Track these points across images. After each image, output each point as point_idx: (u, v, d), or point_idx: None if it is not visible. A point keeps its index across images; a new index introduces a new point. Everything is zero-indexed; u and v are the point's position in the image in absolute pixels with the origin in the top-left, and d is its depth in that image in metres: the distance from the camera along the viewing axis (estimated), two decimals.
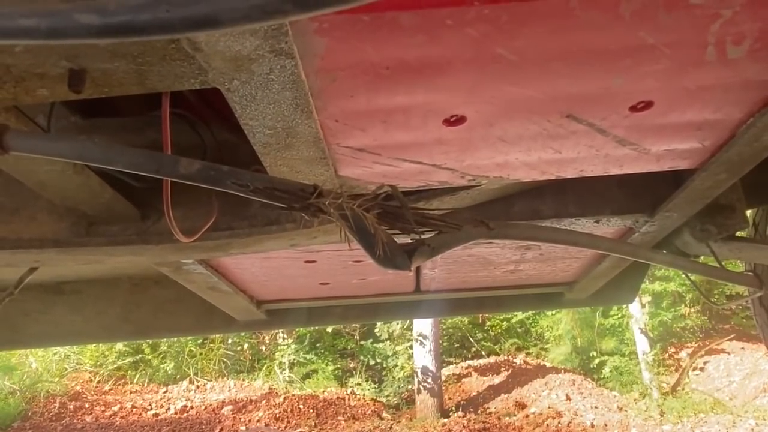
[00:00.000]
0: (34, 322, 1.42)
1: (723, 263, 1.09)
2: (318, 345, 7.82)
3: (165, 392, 6.85)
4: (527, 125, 0.77)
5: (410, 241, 0.69)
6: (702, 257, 1.17)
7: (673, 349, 7.76)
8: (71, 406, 6.16)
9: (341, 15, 0.53)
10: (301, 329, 7.27)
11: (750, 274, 1.19)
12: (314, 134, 0.72)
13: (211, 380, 7.19)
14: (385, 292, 1.53)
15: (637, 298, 6.54)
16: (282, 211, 0.62)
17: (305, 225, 0.89)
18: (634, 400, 6.44)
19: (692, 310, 7.45)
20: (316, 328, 7.00)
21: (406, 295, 1.55)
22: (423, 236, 0.68)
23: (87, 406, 6.23)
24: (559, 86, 0.68)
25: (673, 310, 7.54)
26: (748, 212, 1.28)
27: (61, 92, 0.61)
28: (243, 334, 7.61)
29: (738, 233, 1.12)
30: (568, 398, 6.36)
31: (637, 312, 7.12)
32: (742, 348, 7.13)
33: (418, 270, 1.34)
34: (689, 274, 1.20)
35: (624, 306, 7.04)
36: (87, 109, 0.87)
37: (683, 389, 6.80)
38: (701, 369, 7.24)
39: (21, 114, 0.71)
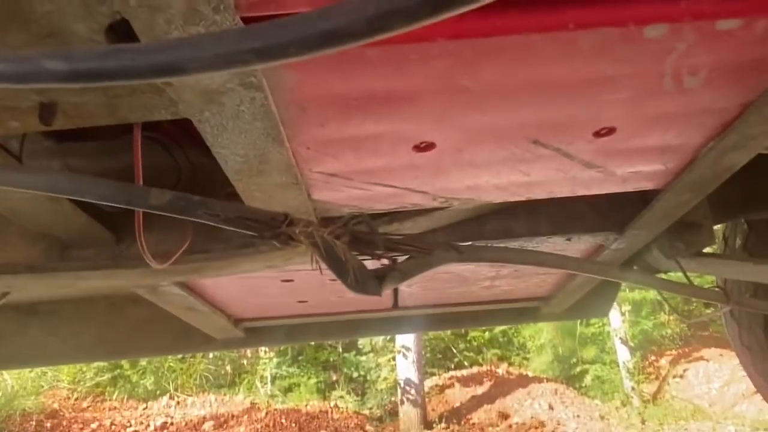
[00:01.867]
0: (9, 344, 1.34)
1: (690, 278, 1.08)
2: (300, 358, 7.33)
3: (145, 408, 6.24)
4: (495, 150, 0.75)
5: (381, 266, 0.67)
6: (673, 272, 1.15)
7: (653, 357, 7.44)
8: (48, 425, 5.58)
9: None
10: (275, 346, 6.80)
11: (717, 289, 1.16)
12: (286, 161, 0.69)
13: (191, 395, 6.56)
14: (364, 309, 1.49)
15: (616, 307, 6.49)
16: (253, 239, 0.58)
17: (274, 249, 0.86)
18: (616, 408, 6.19)
19: (671, 318, 7.13)
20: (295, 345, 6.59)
21: (385, 311, 1.50)
22: (395, 260, 0.66)
23: (65, 423, 5.65)
24: (523, 114, 0.67)
25: (652, 318, 7.19)
26: (718, 227, 1.26)
27: (32, 124, 0.57)
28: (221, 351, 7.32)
29: (707, 249, 1.10)
30: (551, 407, 6.02)
31: (616, 321, 6.81)
32: (721, 355, 6.80)
33: (395, 288, 1.30)
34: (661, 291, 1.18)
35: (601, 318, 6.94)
36: (60, 134, 0.82)
37: (664, 397, 6.53)
38: (681, 376, 6.89)
39: None
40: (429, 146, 0.72)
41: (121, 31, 0.47)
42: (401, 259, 0.67)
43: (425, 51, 0.53)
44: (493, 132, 0.69)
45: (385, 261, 0.66)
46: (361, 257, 0.61)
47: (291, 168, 0.70)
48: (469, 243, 0.77)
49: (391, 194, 0.84)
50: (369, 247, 0.61)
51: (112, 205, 0.55)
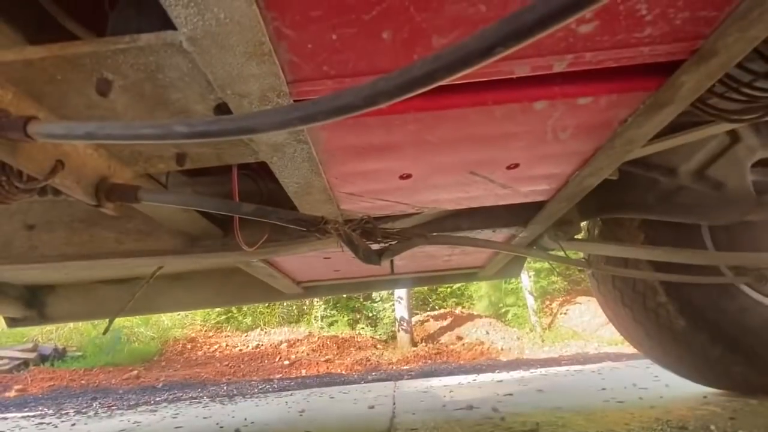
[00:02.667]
0: (163, 298, 1.83)
1: (567, 254, 1.43)
2: (338, 304, 9.84)
3: (246, 336, 8.78)
4: (448, 178, 0.95)
5: (380, 247, 0.92)
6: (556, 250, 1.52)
7: (548, 302, 9.94)
8: (189, 346, 8.26)
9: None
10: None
11: (583, 260, 1.60)
12: (323, 186, 0.88)
13: (273, 327, 9.23)
14: (374, 274, 1.92)
15: (525, 271, 9.10)
16: (304, 232, 0.81)
17: (318, 239, 1.15)
18: (526, 333, 8.74)
19: (559, 278, 10.09)
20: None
21: (386, 275, 1.96)
22: (389, 244, 0.91)
23: (198, 345, 8.35)
24: (464, 156, 0.85)
25: (547, 278, 9.95)
26: (584, 223, 1.64)
27: (172, 166, 0.79)
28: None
29: (577, 236, 1.42)
30: (487, 333, 8.67)
31: (525, 280, 9.45)
32: (589, 300, 9.34)
33: (392, 261, 1.67)
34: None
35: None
36: (189, 172, 1.09)
37: (555, 326, 9.19)
38: (565, 314, 9.56)
39: (150, 177, 0.90)
40: (408, 176, 0.92)
41: (223, 109, 0.64)
42: (393, 243, 0.93)
43: (403, 119, 0.71)
44: (446, 167, 0.90)
45: (383, 244, 0.90)
46: (368, 242, 0.85)
47: (327, 191, 0.91)
48: (434, 234, 1.04)
49: (386, 205, 1.09)
50: (373, 236, 0.84)
51: (221, 213, 0.77)
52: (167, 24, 0.52)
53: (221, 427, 2.16)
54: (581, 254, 1.62)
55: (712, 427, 1.23)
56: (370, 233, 0.84)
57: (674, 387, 2.11)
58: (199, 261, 1.23)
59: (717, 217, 1.45)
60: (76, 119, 0.63)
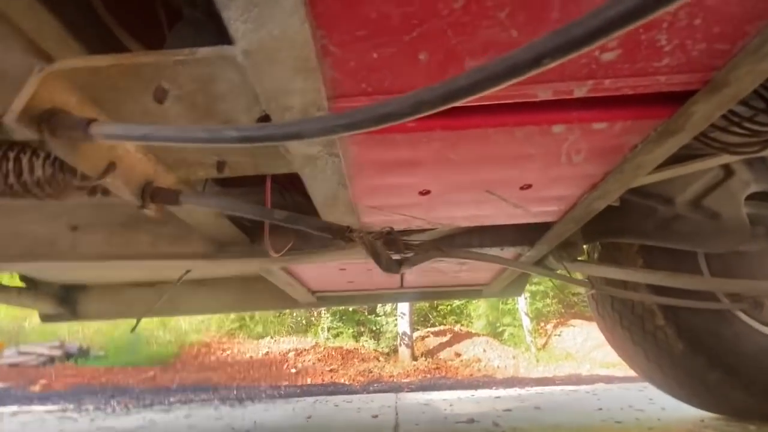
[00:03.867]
0: (186, 301, 1.81)
1: (570, 274, 1.40)
2: (344, 317, 9.76)
3: (256, 344, 8.84)
4: (464, 195, 0.94)
5: (400, 257, 0.90)
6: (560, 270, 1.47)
7: (542, 324, 9.86)
8: (203, 351, 8.35)
9: (365, 134, 0.68)
10: (333, 308, 8.48)
11: (585, 280, 1.54)
12: (348, 199, 0.87)
13: (282, 336, 9.29)
14: (385, 287, 1.89)
15: (523, 293, 8.16)
16: (331, 239, 0.80)
17: (340, 248, 1.14)
18: (521, 352, 8.69)
19: (554, 301, 10.03)
20: (343, 307, 8.83)
21: (395, 289, 1.92)
22: (407, 256, 0.89)
23: (212, 350, 8.44)
24: (482, 175, 0.84)
25: (542, 301, 9.92)
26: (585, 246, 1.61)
27: (211, 173, 0.79)
28: (302, 310, 9.28)
29: (579, 258, 1.39)
30: (484, 351, 8.60)
31: (521, 302, 9.32)
32: (582, 323, 9.37)
33: (402, 275, 1.63)
34: (553, 280, 1.51)
35: (515, 298, 9.01)
36: (222, 182, 1.11)
37: (549, 346, 9.14)
38: (559, 335, 9.46)
39: (188, 184, 0.88)
40: (427, 192, 0.91)
41: (265, 121, 0.62)
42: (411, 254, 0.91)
43: (429, 136, 0.70)
44: (464, 184, 0.89)
45: (402, 255, 0.88)
46: (389, 252, 0.84)
47: (350, 204, 0.91)
48: (449, 248, 1.02)
49: (403, 220, 1.07)
50: (395, 247, 0.83)
51: (256, 218, 0.76)
52: (221, 43, 0.53)
53: (233, 428, 2.10)
54: (580, 275, 1.58)
55: None
56: (392, 243, 0.83)
57: (670, 410, 2.02)
58: (226, 266, 1.22)
59: (713, 245, 1.42)
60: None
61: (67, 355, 7.03)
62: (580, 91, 0.62)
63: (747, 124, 0.92)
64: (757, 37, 0.54)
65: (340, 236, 0.76)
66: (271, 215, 0.76)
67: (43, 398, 4.53)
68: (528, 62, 0.32)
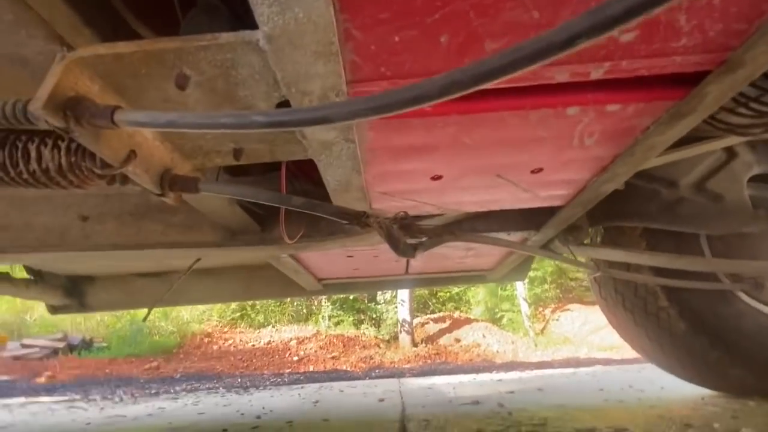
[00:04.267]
0: (193, 290, 1.82)
1: (576, 257, 1.43)
2: (344, 305, 9.75)
3: (258, 333, 8.88)
4: (476, 180, 0.94)
5: (414, 242, 0.91)
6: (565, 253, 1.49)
7: (541, 308, 9.87)
8: (206, 340, 8.35)
9: (383, 119, 0.67)
10: (336, 295, 9.12)
11: (591, 263, 1.57)
12: (361, 185, 0.87)
13: (284, 325, 9.29)
14: (389, 273, 1.90)
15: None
16: (346, 225, 0.81)
17: (352, 234, 1.15)
18: (520, 337, 8.67)
19: (552, 286, 10.07)
20: (345, 296, 9.10)
21: (400, 275, 1.94)
22: (421, 240, 0.90)
23: (214, 339, 8.44)
24: (494, 159, 0.84)
25: (540, 286, 9.93)
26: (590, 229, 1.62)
27: (228, 160, 0.77)
28: (303, 299, 9.52)
29: (585, 241, 1.42)
30: (484, 336, 8.63)
31: (520, 287, 9.35)
32: (580, 308, 9.43)
33: (407, 261, 1.64)
34: (552, 264, 1.55)
35: (514, 283, 8.95)
36: (232, 170, 1.09)
37: (547, 331, 9.11)
38: (557, 320, 9.47)
39: (202, 172, 0.87)
40: (439, 177, 0.91)
41: (284, 106, 0.60)
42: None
43: (444, 120, 0.70)
44: (476, 169, 0.89)
45: (416, 240, 0.89)
46: (404, 236, 0.85)
47: (363, 189, 0.91)
48: (462, 232, 1.03)
49: (414, 206, 1.07)
50: (409, 231, 0.84)
51: (273, 204, 0.74)
52: (235, 29, 0.53)
53: (242, 414, 2.13)
54: (582, 258, 1.61)
55: (716, 425, 1.20)
56: (407, 228, 0.83)
57: (670, 389, 2.07)
58: (236, 254, 1.22)
59: (716, 227, 1.44)
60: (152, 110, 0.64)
61: (70, 347, 7.08)
62: (596, 73, 0.62)
63: (753, 105, 0.93)
64: None
65: (357, 221, 0.76)
66: (289, 201, 0.76)
67: (49, 389, 4.57)
68: (562, 42, 0.33)
